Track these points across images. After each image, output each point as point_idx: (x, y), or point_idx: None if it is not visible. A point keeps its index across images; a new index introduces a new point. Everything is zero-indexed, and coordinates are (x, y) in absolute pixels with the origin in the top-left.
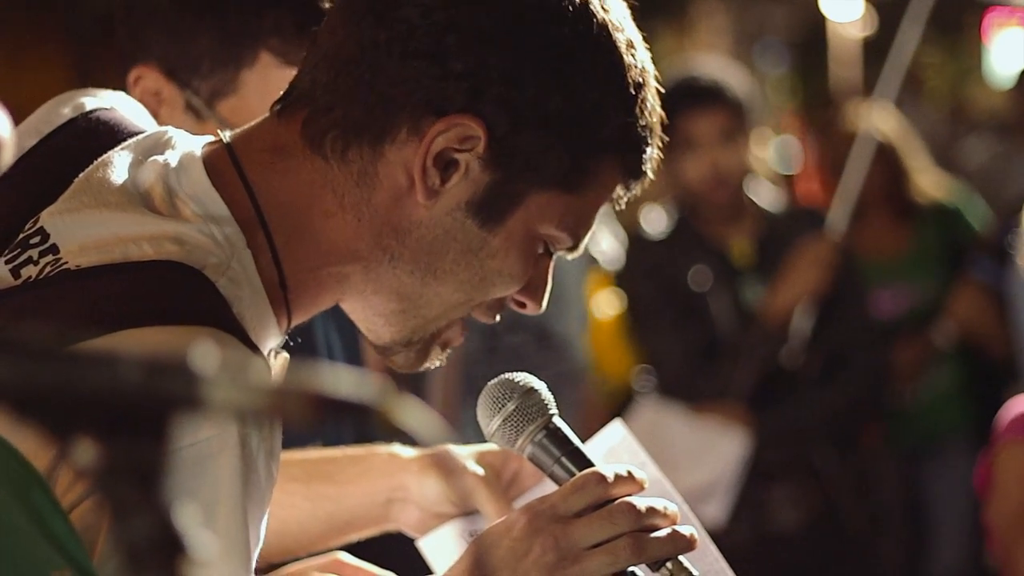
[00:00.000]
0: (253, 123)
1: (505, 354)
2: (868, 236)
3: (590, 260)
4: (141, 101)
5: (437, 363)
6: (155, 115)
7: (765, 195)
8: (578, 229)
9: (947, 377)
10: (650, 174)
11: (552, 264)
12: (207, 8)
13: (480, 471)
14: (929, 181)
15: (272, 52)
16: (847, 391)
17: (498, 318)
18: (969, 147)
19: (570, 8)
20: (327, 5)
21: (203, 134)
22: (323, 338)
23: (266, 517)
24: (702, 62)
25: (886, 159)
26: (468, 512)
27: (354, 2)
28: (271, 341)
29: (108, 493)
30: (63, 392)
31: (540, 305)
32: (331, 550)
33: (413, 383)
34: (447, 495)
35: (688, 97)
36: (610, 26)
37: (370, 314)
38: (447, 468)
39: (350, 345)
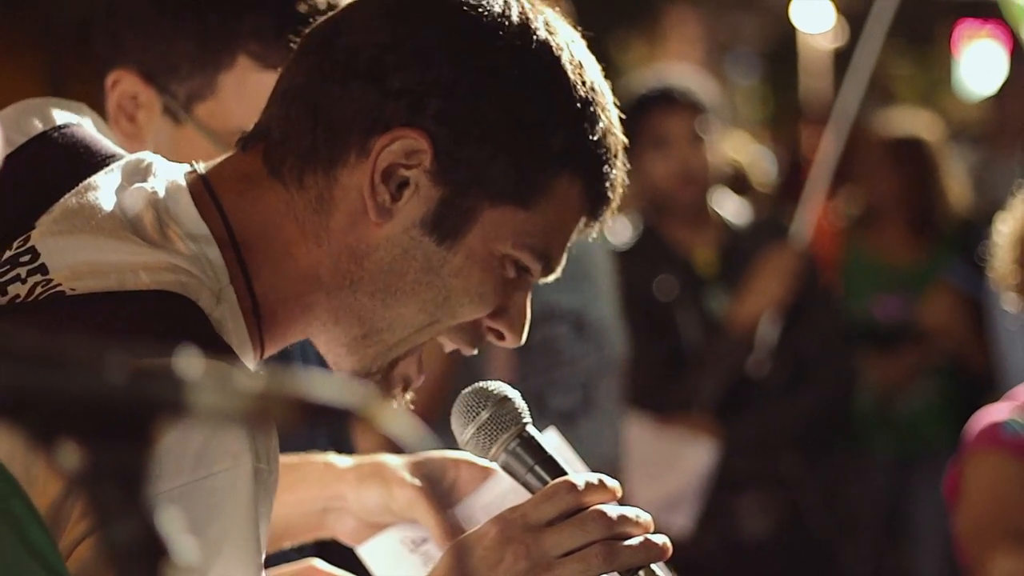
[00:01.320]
0: (221, 158)
1: (543, 346)
2: (887, 238)
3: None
4: (118, 105)
5: (402, 402)
6: (132, 119)
7: (729, 206)
8: (541, 248)
9: (940, 388)
10: (614, 200)
11: (529, 296)
12: (186, 11)
13: (416, 483)
14: (957, 197)
15: (250, 56)
16: (814, 399)
17: (476, 351)
18: None
19: (507, 24)
20: (304, 9)
21: (180, 138)
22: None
23: None
24: (674, 70)
25: (921, 165)
26: (406, 519)
27: (305, 40)
28: None
29: (92, 498)
30: (48, 397)
31: (519, 337)
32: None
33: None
34: (386, 505)
35: (660, 98)
36: (552, 45)
37: (333, 345)
38: (385, 479)
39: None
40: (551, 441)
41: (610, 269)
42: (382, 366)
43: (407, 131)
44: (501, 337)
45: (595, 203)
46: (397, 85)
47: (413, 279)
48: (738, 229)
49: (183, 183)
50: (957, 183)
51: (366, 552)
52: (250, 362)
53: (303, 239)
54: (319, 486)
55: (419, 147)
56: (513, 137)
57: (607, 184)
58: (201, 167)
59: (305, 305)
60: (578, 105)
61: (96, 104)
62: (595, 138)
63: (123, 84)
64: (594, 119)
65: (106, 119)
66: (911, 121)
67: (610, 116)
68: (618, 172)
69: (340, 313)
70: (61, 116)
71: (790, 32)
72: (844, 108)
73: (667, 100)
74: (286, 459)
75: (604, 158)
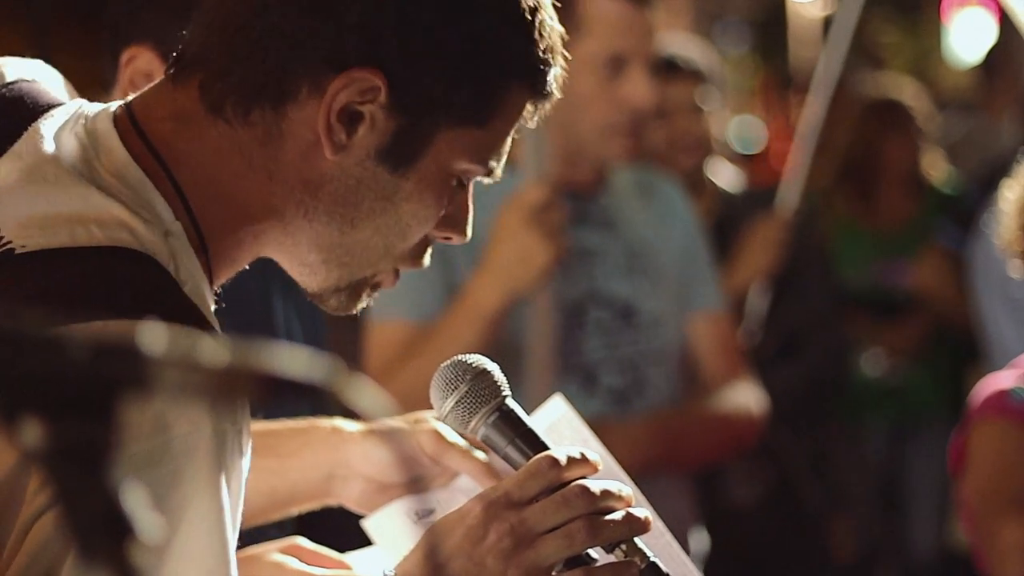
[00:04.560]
0: (149, 89)
1: (594, 326)
2: (888, 204)
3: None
4: (131, 81)
5: (365, 304)
6: None
7: (723, 175)
8: (491, 158)
9: (934, 357)
10: (556, 93)
11: (471, 192)
12: None
13: (439, 427)
14: (937, 159)
15: None
16: (805, 370)
17: (427, 260)
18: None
19: None
20: None
21: None
22: (283, 323)
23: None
24: (675, 39)
25: (910, 130)
26: (414, 488)
27: None
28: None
29: (50, 470)
30: (9, 373)
31: (465, 234)
32: (271, 523)
33: (509, 363)
34: (429, 450)
35: (663, 66)
36: None
37: (295, 263)
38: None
39: (310, 330)
40: (557, 409)
41: (677, 271)
42: (351, 283)
43: (362, 72)
44: (448, 239)
45: (539, 101)
46: (352, 20)
47: (368, 208)
48: (731, 198)
49: (111, 125)
50: (935, 146)
51: (371, 525)
52: (209, 298)
53: (251, 172)
54: (326, 450)
55: (374, 84)
56: (472, 61)
57: (550, 81)
58: (126, 104)
59: (256, 232)
60: (528, 15)
61: (85, 74)
62: (543, 44)
63: (139, 61)
64: (542, 24)
65: (93, 88)
66: (894, 84)
67: (551, 14)
68: (559, 67)
69: (296, 238)
70: (12, 73)
71: (779, 0)
72: (826, 72)
73: (670, 68)
74: (294, 424)
75: (551, 60)
